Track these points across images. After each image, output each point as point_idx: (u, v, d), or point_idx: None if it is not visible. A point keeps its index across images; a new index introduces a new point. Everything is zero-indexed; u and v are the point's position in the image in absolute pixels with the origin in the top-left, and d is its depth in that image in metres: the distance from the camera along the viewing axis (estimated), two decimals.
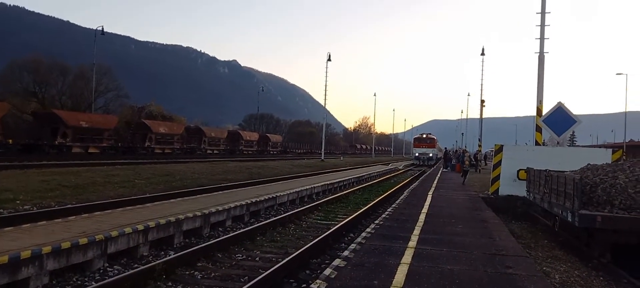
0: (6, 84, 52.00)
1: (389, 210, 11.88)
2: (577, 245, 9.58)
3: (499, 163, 15.74)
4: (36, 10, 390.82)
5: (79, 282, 6.36)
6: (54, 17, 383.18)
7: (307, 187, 17.37)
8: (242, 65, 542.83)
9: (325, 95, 52.46)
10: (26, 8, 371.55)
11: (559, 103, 16.34)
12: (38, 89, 54.07)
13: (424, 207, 12.51)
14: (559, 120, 16.14)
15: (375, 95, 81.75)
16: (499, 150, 16.01)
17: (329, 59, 50.61)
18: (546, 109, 17.06)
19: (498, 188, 15.49)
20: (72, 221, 8.45)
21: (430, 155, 53.03)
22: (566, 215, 8.94)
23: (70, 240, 6.69)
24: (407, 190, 17.80)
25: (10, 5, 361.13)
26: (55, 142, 37.08)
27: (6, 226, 8.10)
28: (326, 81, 51.35)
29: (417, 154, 53.37)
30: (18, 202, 11.86)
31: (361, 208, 14.10)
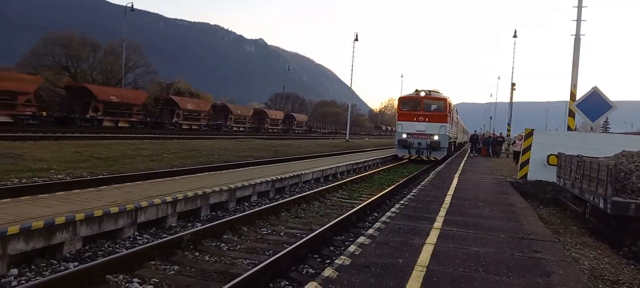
0: (39, 57, 53.39)
1: (414, 191, 11.80)
2: (608, 233, 9.35)
3: (528, 148, 15.41)
4: None
5: (110, 248, 6.55)
6: None
7: (332, 166, 17.38)
8: (269, 43, 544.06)
9: (352, 75, 52.08)
10: None
11: (595, 87, 15.83)
12: (70, 64, 55.34)
13: (450, 189, 12.38)
14: (594, 105, 15.65)
15: (402, 76, 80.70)
16: (529, 134, 15.66)
17: (356, 39, 50.09)
18: (580, 93, 16.55)
19: (527, 173, 15.20)
20: (104, 190, 8.69)
21: (436, 138, 25.53)
22: (598, 201, 8.72)
23: (102, 208, 6.89)
24: (432, 172, 17.63)
25: None
26: (86, 115, 38.05)
27: (41, 193, 8.38)
28: (353, 61, 50.92)
29: (404, 135, 25.96)
30: (52, 171, 12.27)
31: (386, 189, 14.05)
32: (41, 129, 29.01)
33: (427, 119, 25.85)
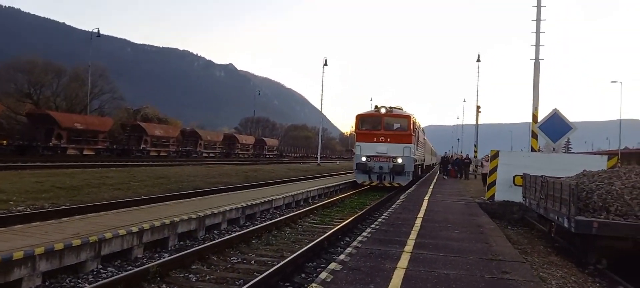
0: (0, 84, 51.65)
1: (385, 214, 11.84)
2: (573, 251, 9.58)
3: (495, 169, 15.76)
4: (32, 12, 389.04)
5: (72, 284, 6.28)
6: (49, 19, 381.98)
7: (303, 191, 17.31)
8: (239, 69, 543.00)
9: (322, 100, 52.43)
10: (22, 9, 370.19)
11: (555, 110, 16.40)
12: (33, 90, 53.68)
13: (420, 211, 12.48)
14: (555, 126, 16.19)
15: (371, 100, 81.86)
16: (495, 156, 16.04)
17: (326, 64, 50.59)
18: (542, 115, 17.13)
19: (494, 194, 15.50)
20: (66, 222, 8.36)
21: (399, 161, 22.62)
22: (562, 221, 8.94)
23: (63, 241, 6.61)
24: (403, 195, 17.78)
25: (5, 6, 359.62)
26: (49, 143, 36.88)
27: None
28: (322, 86, 51.29)
29: (363, 158, 23.13)
30: (11, 202, 11.76)
31: (357, 213, 14.07)
32: (1, 158, 27.88)
33: (389, 140, 22.95)
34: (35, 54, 61.84)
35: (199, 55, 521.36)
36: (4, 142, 34.02)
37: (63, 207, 11.56)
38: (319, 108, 53.88)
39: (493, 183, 15.68)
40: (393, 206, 13.86)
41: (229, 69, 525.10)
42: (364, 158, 23.04)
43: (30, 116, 41.05)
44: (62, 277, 6.42)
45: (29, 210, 11.15)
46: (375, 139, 23.08)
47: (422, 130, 31.95)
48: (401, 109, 24.86)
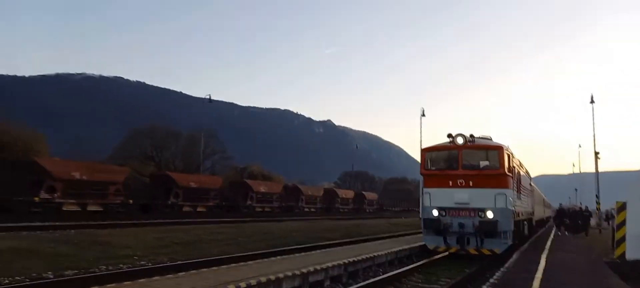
0: (128, 150, 58.46)
1: (497, 274, 11.00)
2: None
3: (623, 223, 14.03)
4: (154, 84, 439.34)
5: None
6: (169, 89, 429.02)
7: (406, 247, 16.77)
8: (336, 124, 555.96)
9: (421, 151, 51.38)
10: (146, 82, 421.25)
11: None
12: (155, 153, 59.84)
13: (538, 271, 11.40)
14: None
15: None
16: (622, 208, 14.31)
17: (423, 115, 49.89)
18: None
19: (624, 252, 13.73)
20: (182, 277, 8.92)
21: (490, 215, 14.86)
22: None
23: None
24: (516, 252, 16.45)
25: (134, 80, 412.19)
26: (168, 201, 40.23)
27: (125, 280, 8.76)
28: (421, 137, 50.03)
29: (435, 212, 15.84)
30: (136, 257, 12.91)
31: (466, 271, 13.23)
32: (127, 216, 30.94)
33: (471, 183, 15.39)
34: (157, 121, 69.42)
35: (298, 113, 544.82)
36: (130, 201, 37.75)
37: (179, 262, 12.40)
38: (418, 160, 52.77)
39: (622, 239, 13.93)
40: (506, 265, 12.85)
41: (327, 124, 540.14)
42: (435, 212, 15.96)
43: (152, 177, 45.41)
44: None
45: (150, 264, 12.12)
46: (451, 183, 15.78)
47: (527, 174, 23.82)
48: (489, 139, 17.22)
